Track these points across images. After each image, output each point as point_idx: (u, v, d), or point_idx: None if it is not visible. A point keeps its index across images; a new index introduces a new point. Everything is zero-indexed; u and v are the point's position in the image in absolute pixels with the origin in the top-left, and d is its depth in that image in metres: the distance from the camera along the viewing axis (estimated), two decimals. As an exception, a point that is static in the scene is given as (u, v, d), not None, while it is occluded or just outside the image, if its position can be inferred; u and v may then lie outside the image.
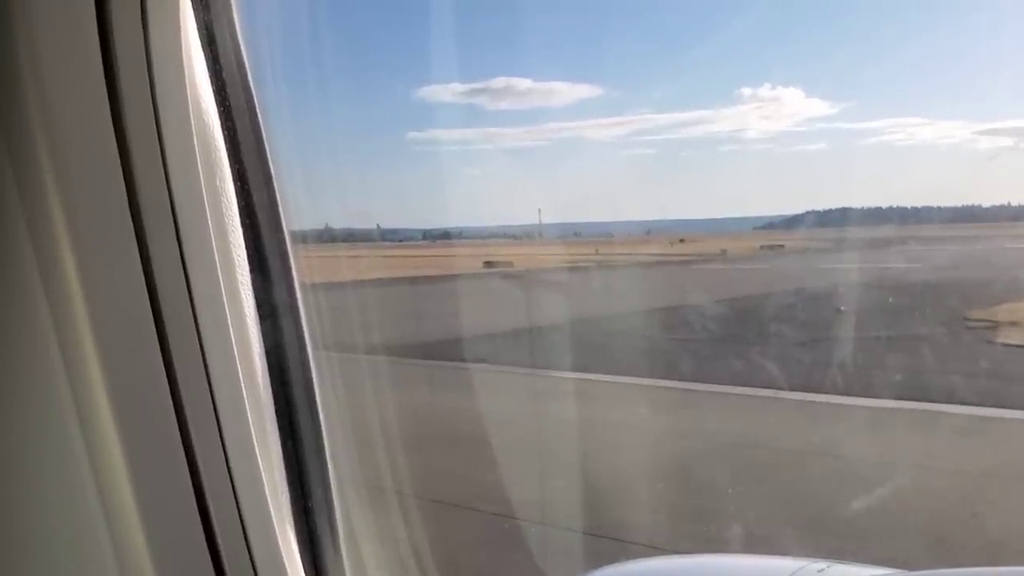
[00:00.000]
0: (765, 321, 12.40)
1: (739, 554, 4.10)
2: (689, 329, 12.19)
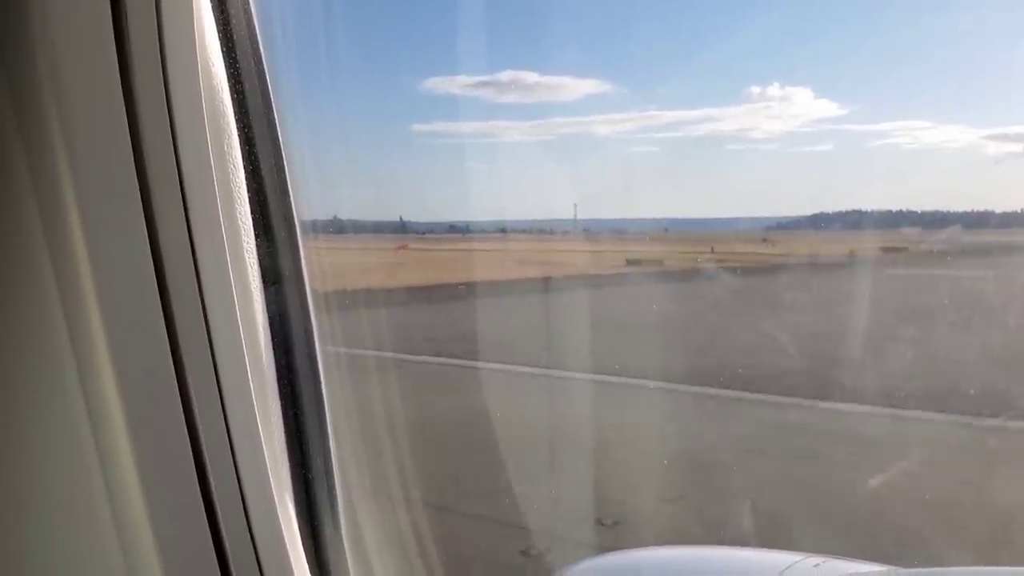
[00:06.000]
0: None
1: (736, 547, 4.00)
2: None
